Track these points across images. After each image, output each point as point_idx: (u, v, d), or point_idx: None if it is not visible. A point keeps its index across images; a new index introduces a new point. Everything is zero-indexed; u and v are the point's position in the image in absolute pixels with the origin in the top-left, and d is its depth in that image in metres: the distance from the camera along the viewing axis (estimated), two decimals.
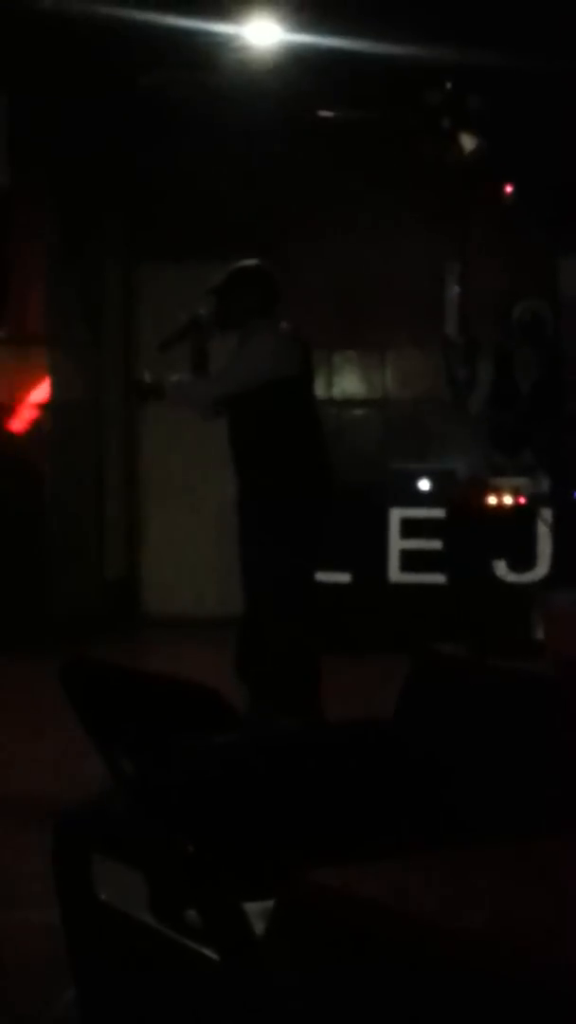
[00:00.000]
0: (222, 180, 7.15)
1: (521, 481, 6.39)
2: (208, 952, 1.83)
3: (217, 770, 2.38)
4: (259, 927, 1.77)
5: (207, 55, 6.13)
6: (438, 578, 6.38)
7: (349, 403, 7.44)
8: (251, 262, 4.54)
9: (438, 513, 6.44)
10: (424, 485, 6.56)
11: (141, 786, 2.58)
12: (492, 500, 6.38)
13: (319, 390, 5.76)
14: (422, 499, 6.51)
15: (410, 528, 6.44)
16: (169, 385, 4.51)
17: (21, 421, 6.69)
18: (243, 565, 4.53)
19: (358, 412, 7.46)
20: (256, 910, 1.81)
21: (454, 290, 7.17)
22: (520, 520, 6.32)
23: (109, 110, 6.87)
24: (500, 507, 6.37)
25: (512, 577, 6.33)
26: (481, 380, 6.81)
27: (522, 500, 6.36)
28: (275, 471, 4.44)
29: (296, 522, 4.45)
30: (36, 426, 6.74)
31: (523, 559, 6.31)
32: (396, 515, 6.46)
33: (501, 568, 6.35)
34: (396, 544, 6.45)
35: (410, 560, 6.43)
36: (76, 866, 2.07)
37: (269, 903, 1.71)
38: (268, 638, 4.46)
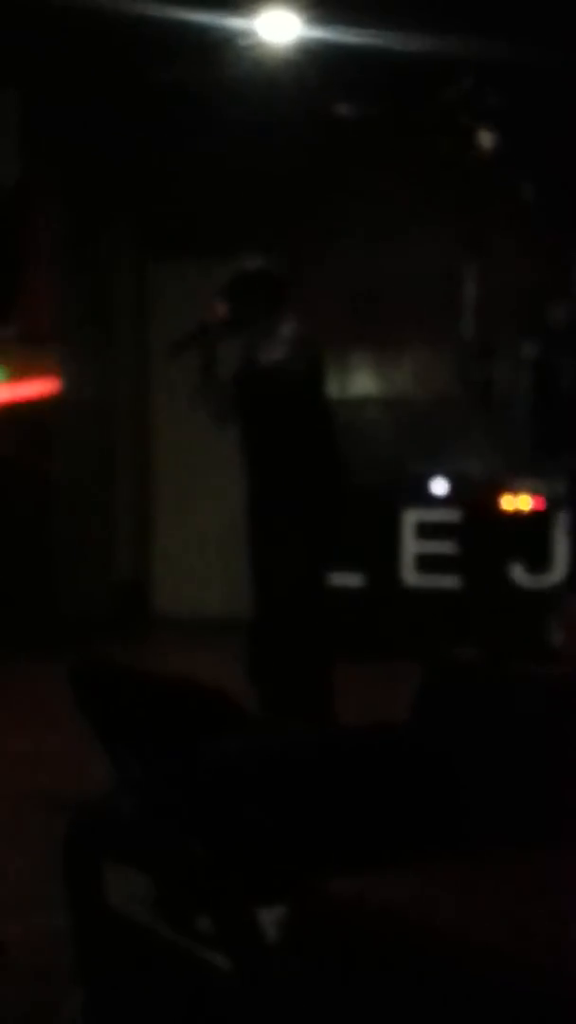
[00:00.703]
0: (235, 177, 7.13)
1: (538, 484, 6.35)
2: (219, 959, 1.78)
3: (228, 774, 2.34)
4: (271, 934, 1.73)
5: (222, 50, 6.11)
6: (453, 581, 6.34)
7: (364, 403, 7.39)
8: (255, 262, 4.50)
9: (453, 515, 6.39)
10: (439, 487, 6.52)
11: (150, 788, 2.54)
12: (509, 503, 6.33)
13: (333, 390, 5.71)
14: (437, 501, 6.47)
15: (425, 530, 6.41)
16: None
17: (30, 419, 6.66)
18: (256, 567, 4.50)
19: (373, 412, 7.42)
20: (268, 917, 1.77)
21: (470, 289, 7.13)
22: (536, 523, 6.27)
23: (122, 106, 6.85)
24: (517, 510, 6.32)
25: (528, 581, 6.29)
26: (523, 387, 6.76)
27: (539, 503, 6.32)
28: (292, 472, 4.42)
29: (313, 524, 4.42)
30: (46, 425, 6.72)
31: (539, 563, 6.26)
32: (411, 517, 6.42)
33: (517, 572, 6.30)
34: (410, 547, 6.42)
35: (425, 563, 6.39)
36: (87, 871, 2.04)
37: (281, 909, 1.68)
38: (282, 640, 4.42)
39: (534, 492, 6.33)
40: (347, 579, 6.15)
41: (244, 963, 1.73)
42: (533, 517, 6.30)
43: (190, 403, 4.63)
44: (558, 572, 6.25)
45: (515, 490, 6.35)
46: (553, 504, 6.29)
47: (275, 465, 4.43)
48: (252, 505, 4.53)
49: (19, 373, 6.69)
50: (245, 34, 5.93)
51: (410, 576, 6.41)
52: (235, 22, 5.79)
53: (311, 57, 6.11)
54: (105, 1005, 2.11)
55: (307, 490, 4.44)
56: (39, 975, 2.78)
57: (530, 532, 6.29)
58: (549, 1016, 1.31)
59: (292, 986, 1.57)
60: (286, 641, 4.42)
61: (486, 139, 6.55)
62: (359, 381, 7.40)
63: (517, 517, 6.33)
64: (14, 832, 3.79)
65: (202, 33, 5.78)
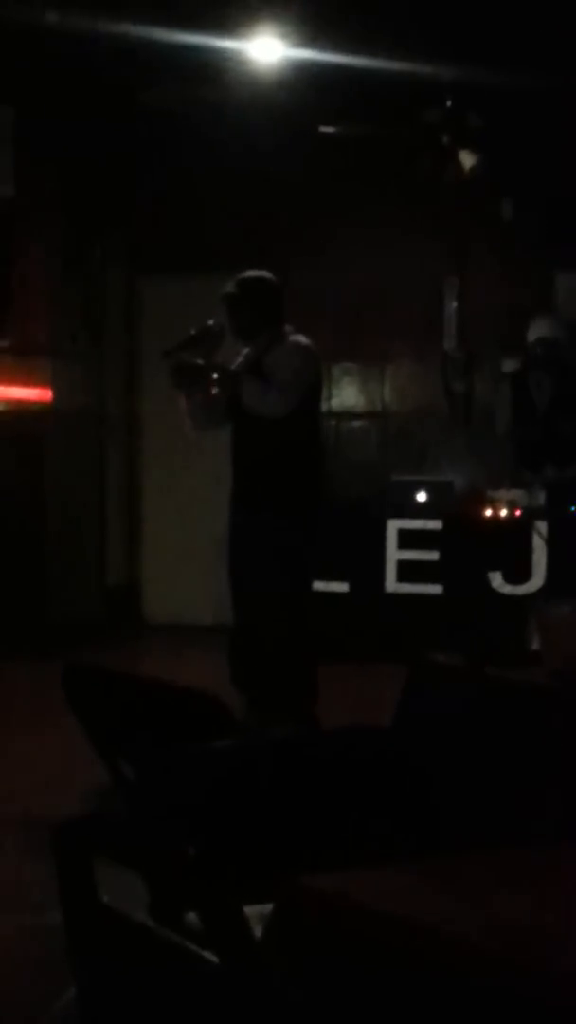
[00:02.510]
0: (224, 194, 7.20)
1: (517, 494, 6.43)
2: (208, 955, 1.85)
3: (216, 775, 2.41)
4: (258, 930, 1.79)
5: (210, 70, 6.18)
6: (435, 588, 6.40)
7: (348, 415, 7.48)
8: (260, 273, 4.58)
9: (435, 524, 6.46)
10: (421, 497, 6.58)
11: (141, 789, 2.60)
12: (489, 512, 6.41)
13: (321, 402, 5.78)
14: (419, 510, 6.53)
15: (407, 539, 6.46)
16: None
17: (23, 429, 6.73)
18: (240, 574, 4.55)
19: (357, 424, 7.50)
20: (255, 913, 1.83)
21: (452, 305, 7.22)
22: (516, 532, 6.35)
23: (113, 124, 6.92)
24: (497, 519, 6.40)
25: (508, 589, 6.35)
26: (498, 403, 6.83)
27: (518, 512, 6.40)
28: (285, 481, 4.47)
29: (301, 532, 4.48)
30: (38, 434, 6.77)
31: (519, 571, 6.33)
32: (393, 526, 6.47)
33: (497, 580, 6.37)
34: (393, 554, 6.47)
35: (407, 570, 6.44)
36: (78, 869, 2.09)
37: (268, 907, 1.74)
38: (267, 646, 4.49)
39: (513, 502, 6.40)
40: (332, 585, 6.22)
41: (232, 959, 1.76)
42: (513, 526, 6.38)
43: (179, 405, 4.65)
44: (537, 580, 6.33)
45: (495, 500, 6.43)
46: (532, 513, 6.38)
47: (274, 473, 4.47)
48: (240, 512, 4.61)
49: (11, 384, 6.76)
50: (234, 55, 6.00)
51: (392, 583, 6.47)
52: (224, 43, 5.86)
53: (298, 78, 6.18)
54: (96, 1001, 2.12)
55: (300, 498, 4.51)
56: (31, 971, 2.80)
57: (510, 541, 6.37)
58: (530, 1012, 1.36)
59: (279, 981, 1.63)
60: (271, 646, 4.48)
61: (467, 159, 6.62)
62: (344, 394, 7.49)
63: (497, 526, 6.41)
64: (7, 830, 3.80)
65: (192, 53, 5.84)
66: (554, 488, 6.40)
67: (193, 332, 4.47)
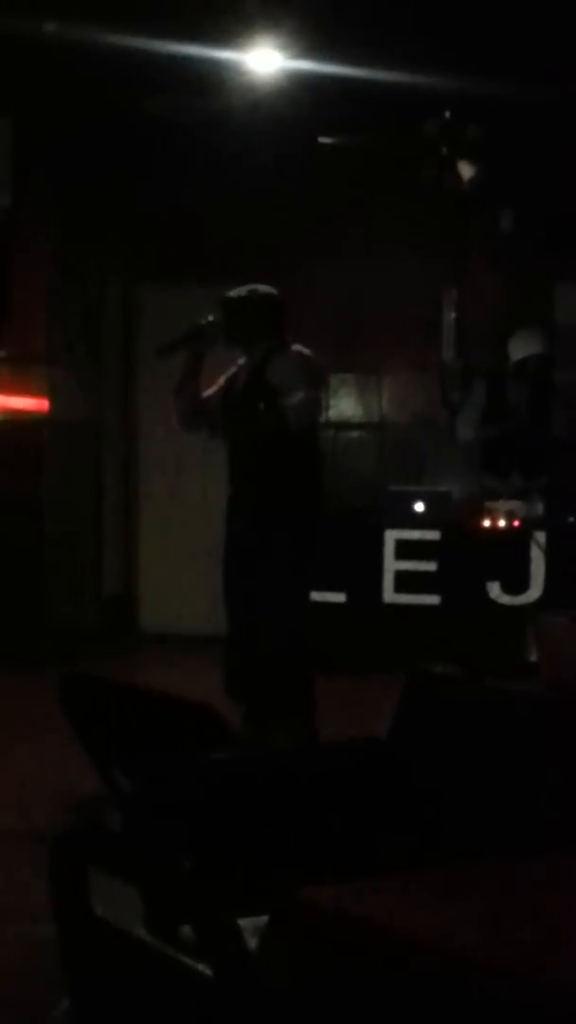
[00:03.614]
0: (222, 204, 7.21)
1: (516, 504, 6.43)
2: (203, 968, 1.84)
3: (212, 787, 2.40)
4: (253, 943, 1.78)
5: (209, 81, 6.19)
6: (432, 599, 6.41)
7: (346, 426, 7.48)
8: (270, 288, 4.59)
9: (433, 535, 6.47)
10: (419, 507, 6.59)
11: (137, 801, 2.60)
12: (487, 523, 6.41)
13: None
14: (417, 521, 6.54)
15: (405, 549, 6.46)
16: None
17: (20, 439, 6.73)
18: (237, 584, 4.54)
19: (355, 435, 7.51)
20: (251, 926, 1.82)
21: (450, 315, 7.23)
22: (514, 543, 6.35)
23: (111, 134, 6.94)
24: (495, 530, 6.40)
25: (506, 599, 6.35)
26: (471, 402, 6.85)
27: (516, 523, 6.40)
28: (284, 490, 4.47)
29: (300, 541, 4.48)
30: (35, 444, 6.77)
31: (517, 581, 6.33)
32: (391, 536, 6.48)
33: (495, 590, 6.37)
34: (391, 565, 6.47)
35: (405, 581, 6.44)
36: (72, 881, 2.08)
37: (263, 919, 1.73)
38: (265, 657, 4.48)
39: (512, 513, 6.41)
40: (329, 596, 6.21)
41: (227, 972, 1.76)
42: (511, 536, 6.38)
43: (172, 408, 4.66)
44: (535, 591, 6.33)
45: (493, 510, 6.43)
46: (530, 523, 6.38)
47: (263, 479, 4.47)
48: (238, 521, 4.59)
49: (9, 393, 6.76)
50: (233, 66, 6.02)
51: (390, 593, 6.47)
52: (223, 54, 5.87)
53: (297, 89, 6.20)
54: (90, 1013, 2.12)
55: (300, 508, 4.51)
56: (25, 983, 2.80)
57: (508, 551, 6.37)
58: None
59: (274, 994, 1.62)
60: (268, 656, 4.47)
61: (466, 170, 6.64)
62: (342, 404, 7.49)
63: (495, 537, 6.41)
64: (1, 841, 3.80)
65: (191, 64, 5.86)
66: (552, 497, 6.41)
67: (187, 330, 4.50)
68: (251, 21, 5.66)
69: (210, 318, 4.51)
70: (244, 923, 1.82)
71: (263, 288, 4.59)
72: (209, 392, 4.62)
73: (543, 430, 6.57)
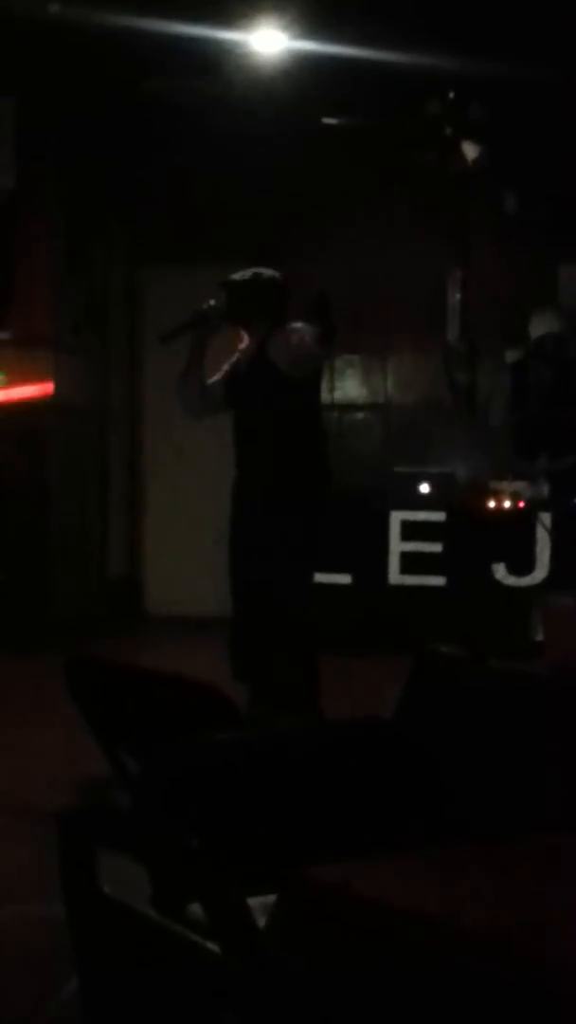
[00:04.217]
0: (225, 186, 7.19)
1: (521, 485, 6.43)
2: (211, 946, 1.85)
3: (219, 766, 2.41)
4: (262, 922, 1.79)
5: (212, 62, 6.18)
6: (438, 580, 6.41)
7: (351, 407, 7.48)
8: (273, 272, 4.58)
9: (438, 516, 6.47)
10: (424, 488, 6.59)
11: (143, 780, 2.61)
12: (492, 504, 6.41)
13: (323, 394, 5.80)
14: (422, 502, 6.54)
15: (410, 531, 6.47)
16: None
17: (25, 423, 6.74)
18: (243, 564, 4.55)
19: (360, 416, 7.50)
20: (259, 905, 1.83)
21: (455, 297, 7.22)
22: (520, 524, 6.35)
23: (114, 115, 6.92)
24: (500, 511, 6.40)
25: (511, 580, 6.36)
26: (499, 389, 6.84)
27: (521, 504, 6.40)
28: (289, 470, 4.47)
29: (306, 526, 4.49)
30: (40, 428, 6.78)
31: (522, 563, 6.34)
32: (397, 518, 6.48)
33: (500, 571, 6.38)
34: (396, 546, 6.47)
35: (410, 562, 6.45)
36: (80, 860, 2.09)
37: (271, 898, 1.74)
38: (271, 638, 4.49)
39: (517, 494, 6.41)
40: (335, 577, 6.22)
41: (235, 950, 1.77)
42: (516, 517, 6.38)
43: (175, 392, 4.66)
44: (540, 572, 6.33)
45: (499, 491, 6.43)
46: (536, 505, 6.38)
47: (268, 459, 4.47)
48: (244, 504, 4.60)
49: (14, 377, 6.77)
50: (236, 46, 6.00)
51: (395, 575, 6.48)
52: (226, 35, 5.85)
53: (300, 70, 6.18)
54: (99, 992, 2.13)
55: (306, 490, 4.51)
56: (34, 963, 2.79)
57: (513, 533, 6.37)
58: (533, 1003, 1.36)
59: (282, 972, 1.63)
60: (273, 637, 4.49)
61: (470, 150, 6.62)
62: (347, 386, 7.49)
63: (500, 518, 6.41)
64: (10, 822, 3.81)
65: (194, 45, 5.84)
66: (558, 479, 6.40)
67: (189, 317, 4.49)
68: (254, 2, 5.64)
69: (211, 303, 4.50)
70: (252, 902, 1.83)
71: (267, 272, 4.58)
72: (214, 379, 4.62)
73: (569, 410, 6.55)
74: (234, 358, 4.62)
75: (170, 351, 4.66)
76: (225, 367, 4.63)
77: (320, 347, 4.36)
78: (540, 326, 6.65)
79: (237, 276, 4.55)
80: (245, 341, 4.57)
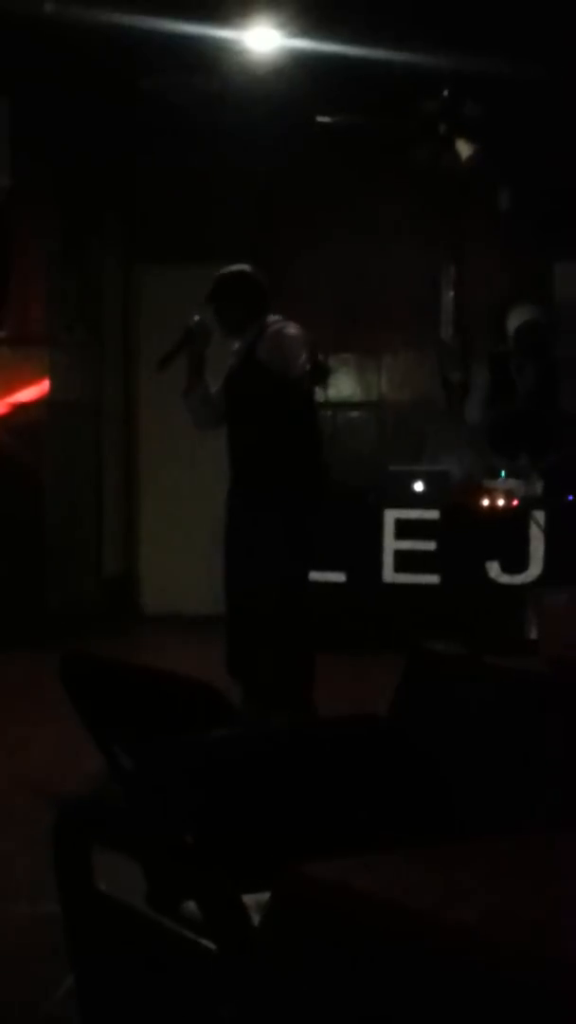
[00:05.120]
0: (221, 183, 7.20)
1: (514, 483, 6.44)
2: (206, 943, 1.86)
3: (214, 763, 2.42)
4: (257, 919, 1.79)
5: (207, 60, 6.18)
6: (432, 578, 6.42)
7: (345, 405, 7.49)
8: (235, 268, 4.58)
9: (432, 514, 6.48)
10: (419, 487, 6.60)
11: (139, 778, 2.61)
12: (486, 502, 6.42)
13: (317, 392, 5.80)
14: (417, 500, 6.55)
15: (404, 529, 6.47)
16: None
17: (21, 420, 6.74)
18: (238, 560, 4.56)
19: (354, 414, 7.51)
20: (254, 902, 1.84)
21: (449, 294, 7.22)
22: (513, 522, 6.36)
23: (110, 113, 6.92)
24: (494, 509, 6.41)
25: (505, 578, 6.37)
26: (477, 385, 6.86)
27: (515, 502, 6.41)
28: (283, 466, 4.48)
29: (300, 522, 4.49)
30: (35, 425, 6.78)
31: (516, 561, 6.35)
32: (391, 516, 6.49)
33: (494, 569, 6.39)
34: (391, 544, 6.48)
35: (404, 560, 6.45)
36: (76, 857, 2.09)
37: (266, 895, 1.74)
38: (266, 636, 4.50)
39: (511, 492, 6.42)
40: (329, 575, 6.23)
41: (230, 947, 1.77)
42: (510, 515, 6.39)
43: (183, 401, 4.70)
44: (534, 570, 6.34)
45: (493, 489, 6.44)
46: (529, 502, 6.39)
47: (271, 463, 4.49)
48: (239, 502, 4.61)
49: (10, 375, 6.77)
50: (232, 44, 6.00)
51: (390, 573, 6.49)
52: (222, 33, 5.86)
53: (295, 68, 6.19)
54: (95, 989, 2.13)
55: (300, 488, 4.52)
56: (30, 960, 2.81)
57: (507, 531, 6.38)
58: (530, 1000, 1.36)
59: (277, 969, 1.63)
60: (269, 633, 4.50)
61: (464, 148, 6.63)
62: (341, 384, 7.49)
63: (494, 516, 6.42)
64: (5, 819, 3.83)
65: (189, 43, 5.85)
66: (551, 477, 6.42)
67: (179, 337, 4.54)
68: (249, 0, 5.64)
69: (196, 318, 4.53)
70: (247, 899, 1.83)
71: (235, 271, 4.57)
72: (217, 388, 4.66)
73: (550, 408, 6.56)
74: (231, 363, 4.64)
75: (165, 349, 4.67)
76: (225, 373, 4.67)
77: (311, 377, 4.40)
78: (517, 317, 6.65)
79: (211, 288, 4.56)
80: (236, 344, 4.59)
